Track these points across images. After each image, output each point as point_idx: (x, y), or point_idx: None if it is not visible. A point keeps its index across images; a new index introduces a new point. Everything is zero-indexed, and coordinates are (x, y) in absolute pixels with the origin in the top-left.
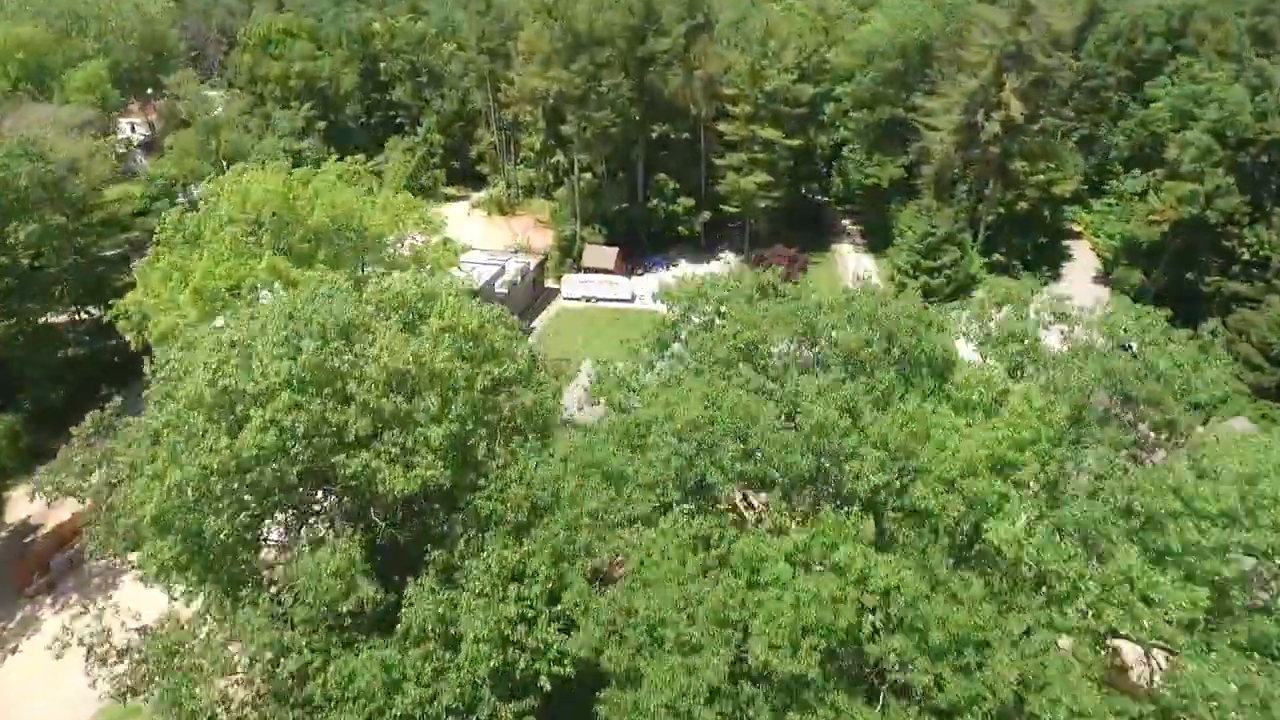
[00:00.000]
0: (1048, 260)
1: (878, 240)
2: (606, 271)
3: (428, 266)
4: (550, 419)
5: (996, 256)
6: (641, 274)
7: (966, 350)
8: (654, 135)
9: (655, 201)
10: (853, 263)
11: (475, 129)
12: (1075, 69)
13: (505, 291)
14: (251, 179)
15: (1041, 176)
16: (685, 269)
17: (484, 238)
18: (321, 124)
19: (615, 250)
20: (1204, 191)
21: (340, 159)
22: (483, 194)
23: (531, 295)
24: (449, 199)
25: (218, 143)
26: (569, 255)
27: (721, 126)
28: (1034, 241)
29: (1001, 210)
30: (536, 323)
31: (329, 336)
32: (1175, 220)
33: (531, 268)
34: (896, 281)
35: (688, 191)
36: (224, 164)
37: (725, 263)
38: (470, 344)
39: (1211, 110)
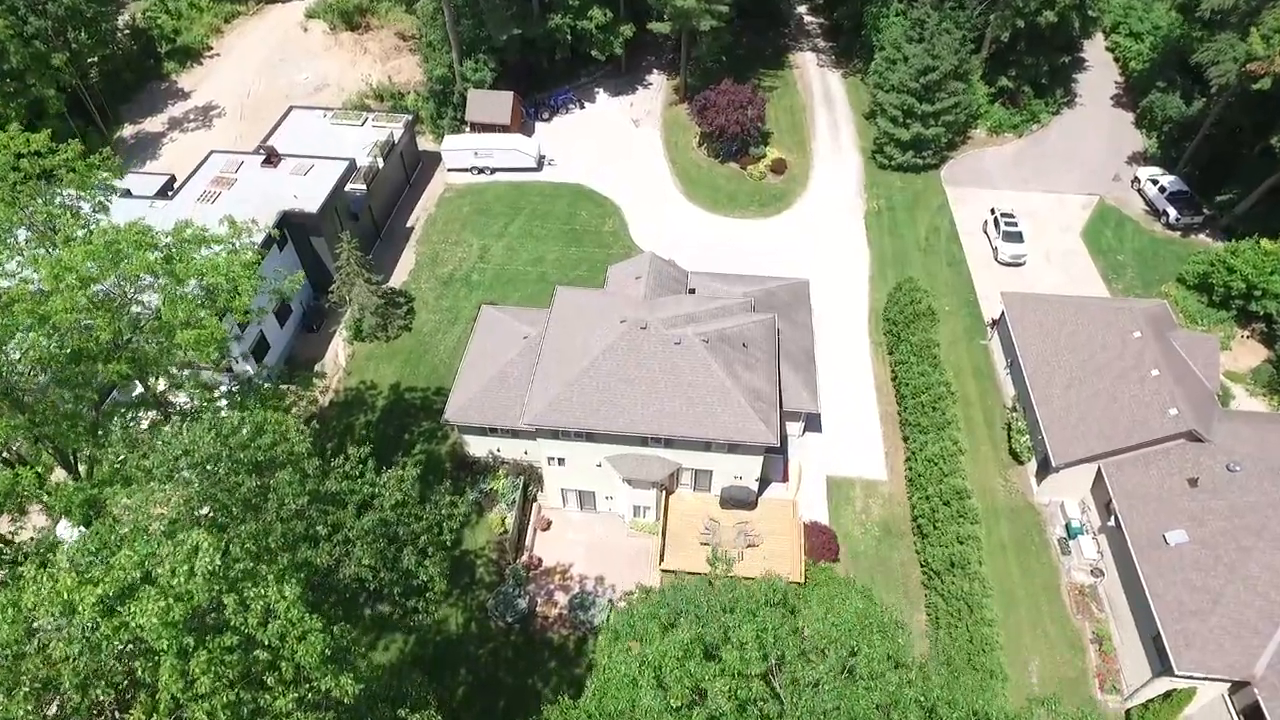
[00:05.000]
0: (1062, 81)
1: (847, 46)
2: (501, 129)
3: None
4: None
5: (1003, 82)
6: (548, 118)
7: None
8: None
9: (558, 17)
10: (818, 84)
11: None
12: None
13: (364, 189)
14: None
15: None
16: (604, 104)
17: (328, 73)
18: None
19: (510, 97)
20: None
21: None
22: None
23: (404, 175)
24: None
25: None
26: (447, 104)
27: None
28: (1053, 63)
29: (1019, 23)
30: (414, 217)
31: None
32: None
33: (398, 136)
34: (876, 144)
35: None
36: None
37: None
38: None
39: None
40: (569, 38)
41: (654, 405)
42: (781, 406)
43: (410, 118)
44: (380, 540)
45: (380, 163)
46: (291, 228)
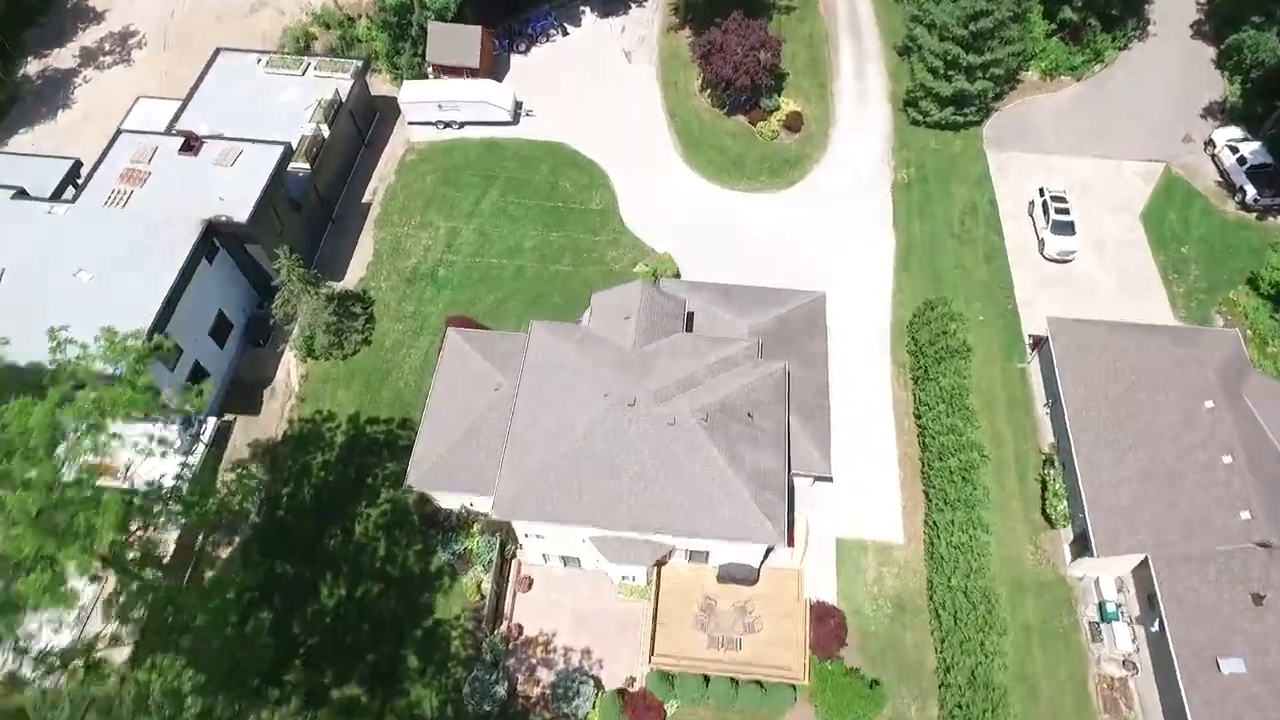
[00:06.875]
0: (1134, 10)
1: None
2: (469, 72)
3: None
4: None
5: (1066, 14)
6: (525, 49)
7: None
8: None
9: None
10: (844, 4)
11: None
12: None
13: (307, 168)
14: None
15: None
16: (590, 29)
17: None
18: None
19: (479, 34)
20: None
21: None
22: None
23: (357, 132)
24: None
25: None
26: (404, 38)
27: None
28: None
29: None
30: (371, 189)
31: None
32: None
33: (346, 90)
34: (910, 96)
35: None
36: None
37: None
38: None
39: None
40: None
41: (643, 496)
42: (790, 472)
43: (360, 64)
44: None
45: (325, 131)
46: (220, 236)
